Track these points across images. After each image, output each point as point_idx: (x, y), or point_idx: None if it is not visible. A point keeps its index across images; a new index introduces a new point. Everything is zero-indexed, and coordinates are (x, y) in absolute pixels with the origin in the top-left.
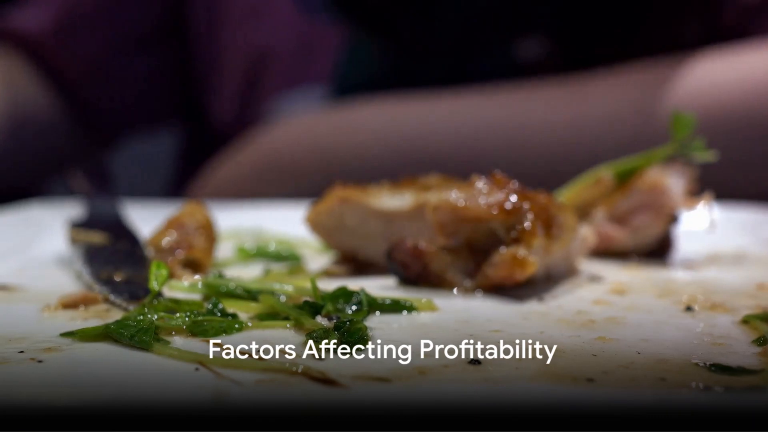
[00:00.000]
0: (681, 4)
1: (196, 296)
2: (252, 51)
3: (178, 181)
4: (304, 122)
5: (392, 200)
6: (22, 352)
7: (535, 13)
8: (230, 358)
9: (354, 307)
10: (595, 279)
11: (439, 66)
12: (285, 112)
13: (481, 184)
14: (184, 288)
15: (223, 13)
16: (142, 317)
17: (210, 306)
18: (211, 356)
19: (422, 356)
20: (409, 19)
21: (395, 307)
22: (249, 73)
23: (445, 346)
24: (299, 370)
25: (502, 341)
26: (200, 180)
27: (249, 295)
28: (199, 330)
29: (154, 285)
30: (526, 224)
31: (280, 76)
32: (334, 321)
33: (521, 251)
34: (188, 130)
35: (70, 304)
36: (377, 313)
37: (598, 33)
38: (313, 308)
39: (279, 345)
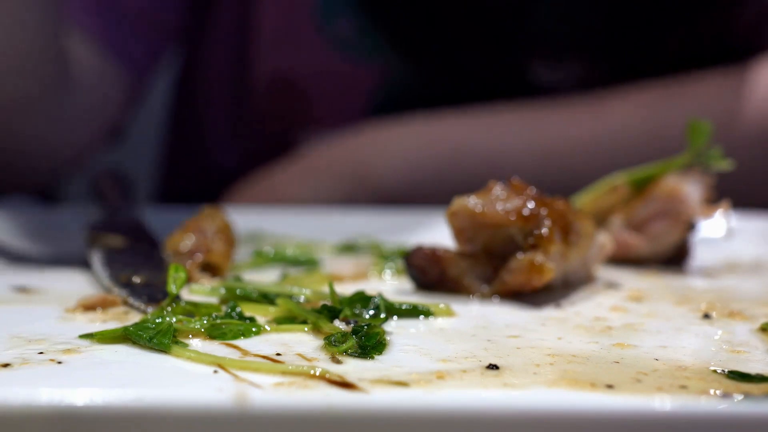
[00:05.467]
0: (696, 18)
1: (214, 300)
2: (280, 78)
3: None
4: (349, 139)
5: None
6: (41, 353)
7: (555, 40)
8: (249, 361)
9: (372, 312)
10: (612, 286)
11: (460, 87)
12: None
13: (498, 190)
14: (202, 291)
15: (253, 31)
16: (160, 320)
17: (228, 309)
18: (229, 359)
19: (440, 361)
20: (436, 42)
21: (413, 312)
22: (273, 102)
23: (463, 352)
24: (317, 374)
25: (520, 347)
26: (247, 187)
27: (267, 298)
28: (217, 333)
29: (172, 288)
30: (544, 230)
31: (309, 112)
32: (352, 325)
33: (539, 257)
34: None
35: (89, 307)
36: (395, 317)
37: (618, 57)
38: (331, 312)
39: (297, 348)
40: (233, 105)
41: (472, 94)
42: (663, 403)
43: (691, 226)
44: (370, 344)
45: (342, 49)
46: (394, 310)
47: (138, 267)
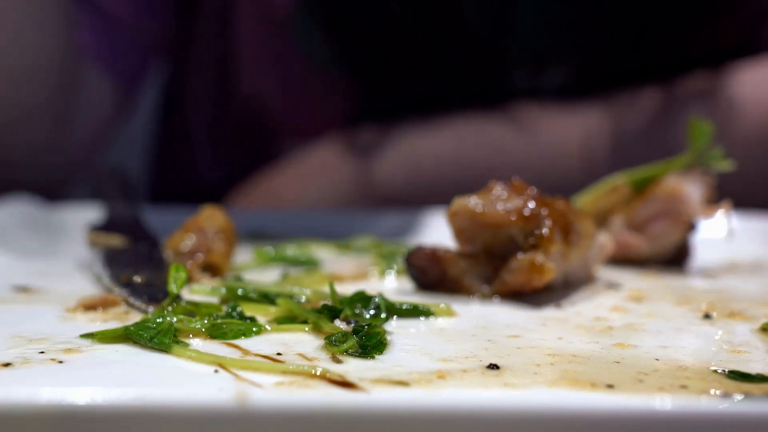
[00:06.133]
0: (683, 23)
1: (214, 299)
2: (260, 91)
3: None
4: (349, 141)
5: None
6: (42, 352)
7: (554, 47)
8: (249, 361)
9: (372, 312)
10: (613, 286)
11: (443, 96)
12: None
13: (499, 190)
14: (203, 291)
15: (233, 46)
16: (161, 319)
17: (228, 309)
18: (230, 359)
19: (441, 361)
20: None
21: (413, 312)
22: (255, 115)
23: (463, 351)
24: (318, 373)
25: (520, 347)
26: (247, 189)
27: (267, 298)
28: (218, 333)
29: (173, 288)
30: (544, 230)
31: (288, 124)
32: (353, 325)
33: (539, 257)
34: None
35: (90, 306)
36: (395, 317)
37: (617, 62)
38: (331, 312)
39: (297, 348)
40: (217, 117)
41: (455, 103)
42: (663, 403)
43: (691, 227)
44: (370, 344)
45: (320, 63)
46: (394, 310)
47: (138, 267)
